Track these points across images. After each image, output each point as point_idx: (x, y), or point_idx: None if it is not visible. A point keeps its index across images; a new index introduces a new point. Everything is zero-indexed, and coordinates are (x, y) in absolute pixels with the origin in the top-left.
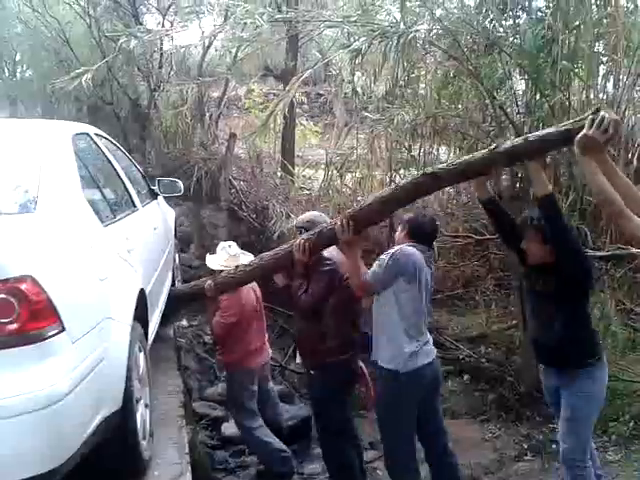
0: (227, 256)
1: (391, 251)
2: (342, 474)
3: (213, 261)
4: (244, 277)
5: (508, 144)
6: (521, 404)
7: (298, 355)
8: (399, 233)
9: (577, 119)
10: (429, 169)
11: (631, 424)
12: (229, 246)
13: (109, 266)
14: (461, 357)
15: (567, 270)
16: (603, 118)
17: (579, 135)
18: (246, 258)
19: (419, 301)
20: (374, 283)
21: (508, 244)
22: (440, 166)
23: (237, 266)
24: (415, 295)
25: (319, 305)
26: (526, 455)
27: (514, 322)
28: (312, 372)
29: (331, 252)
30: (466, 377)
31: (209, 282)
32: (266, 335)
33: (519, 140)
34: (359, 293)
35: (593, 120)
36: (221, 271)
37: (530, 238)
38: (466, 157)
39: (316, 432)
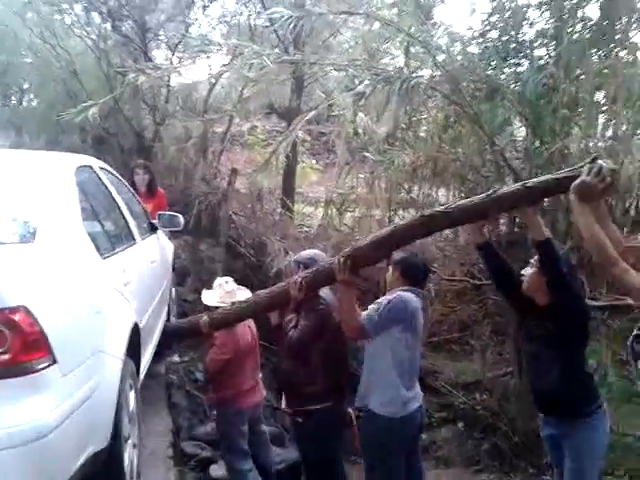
0: (223, 292)
1: (388, 297)
2: None
3: (209, 297)
4: (240, 314)
5: (506, 190)
6: (515, 454)
7: (283, 398)
8: (391, 274)
9: (575, 167)
10: (427, 211)
11: (625, 478)
12: (226, 282)
13: (104, 299)
14: (456, 404)
15: (565, 314)
16: (601, 167)
17: (576, 182)
18: (243, 294)
19: (414, 348)
20: (369, 329)
21: (502, 290)
22: (438, 208)
23: (233, 302)
24: (410, 342)
25: (306, 344)
26: None
27: (509, 369)
28: (298, 419)
29: (326, 293)
30: (460, 424)
31: (204, 318)
32: (260, 374)
33: (517, 186)
34: (351, 336)
35: (591, 168)
36: (217, 307)
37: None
38: (464, 201)
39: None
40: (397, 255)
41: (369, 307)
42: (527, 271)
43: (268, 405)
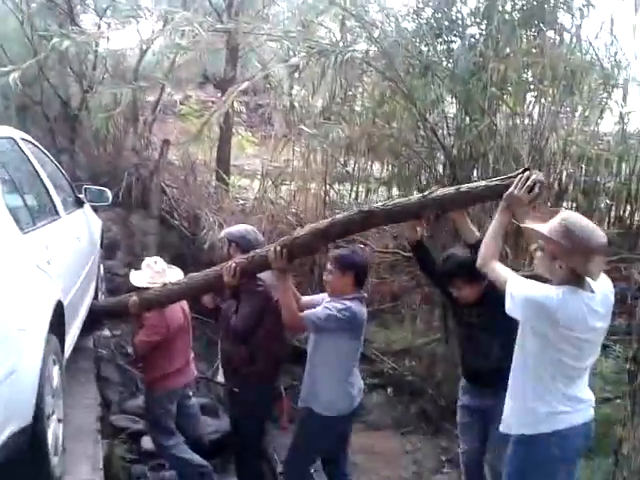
0: (153, 272)
1: (340, 306)
2: None
3: (138, 278)
4: (171, 296)
5: (440, 192)
6: (441, 417)
7: (221, 373)
8: (341, 277)
9: (506, 176)
10: (366, 207)
11: None
12: (155, 262)
13: (25, 276)
14: (385, 370)
15: (496, 302)
16: (528, 178)
17: (506, 193)
18: (173, 272)
19: (358, 349)
20: (309, 325)
21: (436, 284)
22: (377, 205)
23: (165, 284)
24: (356, 346)
25: (249, 328)
26: (444, 468)
27: (437, 336)
28: (235, 390)
29: (264, 274)
30: (390, 390)
31: (134, 298)
32: (191, 354)
33: (451, 190)
34: (289, 326)
35: (520, 180)
36: (147, 288)
37: (459, 285)
38: (402, 199)
39: (232, 448)
40: (346, 257)
41: (318, 308)
42: (455, 293)
43: (203, 377)
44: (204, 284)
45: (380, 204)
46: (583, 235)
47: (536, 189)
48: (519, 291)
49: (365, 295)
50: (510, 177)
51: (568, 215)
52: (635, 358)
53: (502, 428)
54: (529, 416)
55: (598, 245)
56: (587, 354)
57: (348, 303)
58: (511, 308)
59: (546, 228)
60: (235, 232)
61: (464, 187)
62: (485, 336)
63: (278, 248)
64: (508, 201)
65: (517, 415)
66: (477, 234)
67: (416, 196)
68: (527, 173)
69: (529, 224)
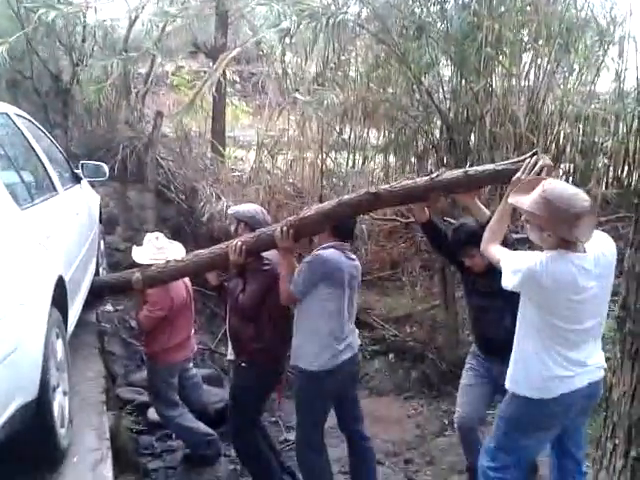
0: (155, 249)
1: (308, 259)
2: (252, 459)
3: (141, 254)
4: (174, 273)
5: (448, 175)
6: (443, 381)
7: (230, 350)
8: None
9: (514, 160)
10: (373, 188)
11: None
12: (156, 238)
13: (25, 252)
14: (387, 337)
15: None
16: (536, 163)
17: (514, 178)
18: (174, 248)
19: (342, 300)
20: (296, 293)
21: (448, 258)
22: (383, 187)
23: (168, 261)
24: (338, 295)
25: (256, 306)
26: (446, 431)
27: (437, 302)
28: (242, 363)
29: (270, 252)
30: (391, 356)
31: (137, 275)
32: (192, 328)
33: (459, 172)
34: (284, 301)
35: (527, 165)
36: (149, 265)
37: (471, 253)
38: (408, 181)
39: (229, 418)
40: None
41: (295, 272)
42: (468, 262)
43: (206, 349)
44: (209, 262)
45: (387, 186)
46: (562, 203)
47: (543, 174)
48: (509, 266)
49: (345, 244)
50: (518, 161)
51: (548, 186)
52: (624, 305)
53: (508, 385)
54: (532, 381)
55: (579, 210)
56: (585, 316)
57: (319, 252)
58: (507, 283)
59: (529, 201)
60: (245, 211)
61: (472, 170)
62: (497, 304)
63: (285, 228)
64: (515, 186)
65: (521, 378)
66: (488, 213)
67: (423, 179)
68: (535, 158)
69: (514, 197)
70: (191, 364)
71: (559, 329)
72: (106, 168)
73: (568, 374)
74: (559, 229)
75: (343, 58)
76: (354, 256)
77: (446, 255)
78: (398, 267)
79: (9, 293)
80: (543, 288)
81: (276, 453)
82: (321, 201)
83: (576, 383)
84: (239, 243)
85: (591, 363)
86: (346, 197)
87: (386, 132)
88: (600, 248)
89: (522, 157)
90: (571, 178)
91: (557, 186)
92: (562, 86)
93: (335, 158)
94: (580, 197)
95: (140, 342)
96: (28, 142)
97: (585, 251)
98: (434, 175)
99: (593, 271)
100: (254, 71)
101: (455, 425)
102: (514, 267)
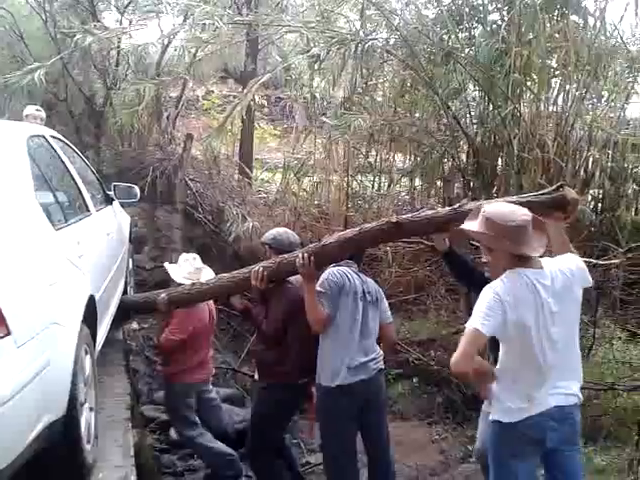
0: (192, 269)
1: (322, 277)
2: None
3: (177, 273)
4: (199, 296)
5: (471, 205)
6: (467, 406)
7: (257, 373)
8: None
9: (539, 193)
10: (394, 218)
11: None
12: (194, 258)
13: (58, 271)
14: (411, 360)
15: None
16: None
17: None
18: (208, 272)
19: (358, 313)
20: (330, 312)
21: (468, 287)
22: (405, 216)
23: (193, 283)
24: (352, 308)
25: (279, 332)
26: (470, 457)
27: (462, 326)
28: (265, 387)
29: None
30: (415, 380)
31: (163, 296)
32: (211, 351)
33: (482, 204)
34: (316, 328)
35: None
36: (180, 284)
37: None
38: (430, 211)
39: (247, 439)
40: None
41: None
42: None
43: (229, 368)
44: (231, 286)
45: (409, 215)
46: (501, 219)
47: (570, 207)
48: (478, 313)
49: (352, 263)
50: (544, 194)
51: (487, 206)
52: None
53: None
54: (501, 405)
55: (518, 223)
56: (553, 340)
57: (321, 275)
58: (487, 329)
59: (474, 225)
60: (268, 235)
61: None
62: None
63: (306, 255)
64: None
65: (495, 404)
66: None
67: (446, 209)
68: (561, 191)
69: (465, 224)
70: (210, 386)
71: (527, 364)
72: (137, 190)
73: (526, 406)
74: (503, 244)
75: (371, 83)
76: (363, 275)
77: (467, 285)
78: (423, 290)
79: (43, 311)
80: (509, 310)
81: (295, 475)
82: (346, 223)
83: (540, 408)
84: (261, 269)
85: (557, 391)
86: (367, 225)
87: (412, 156)
88: (557, 265)
89: (546, 190)
90: (600, 204)
91: (496, 205)
92: (591, 112)
93: (361, 181)
94: (518, 212)
95: (158, 363)
96: (63, 164)
97: (542, 267)
98: (457, 205)
99: (550, 286)
100: (282, 96)
101: (473, 454)
102: (481, 310)
